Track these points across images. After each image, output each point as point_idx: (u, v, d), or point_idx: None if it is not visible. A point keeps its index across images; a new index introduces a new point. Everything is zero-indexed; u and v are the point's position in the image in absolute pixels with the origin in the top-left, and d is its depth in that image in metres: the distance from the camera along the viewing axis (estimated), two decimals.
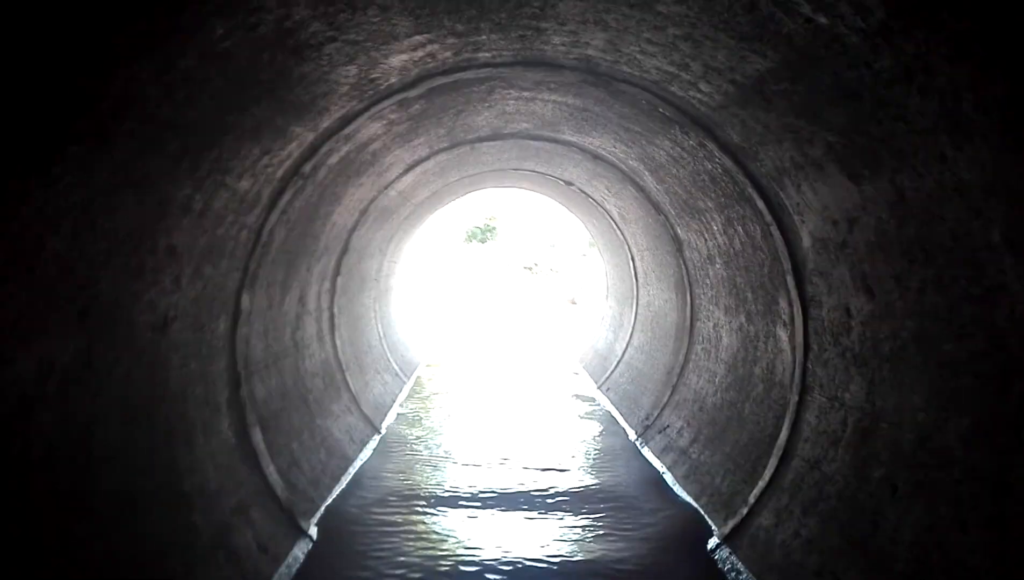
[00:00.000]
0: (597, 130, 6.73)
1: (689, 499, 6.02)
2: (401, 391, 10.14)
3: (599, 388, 10.93)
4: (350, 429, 7.14)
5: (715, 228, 6.43)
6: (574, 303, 35.89)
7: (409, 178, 8.38)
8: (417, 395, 10.35)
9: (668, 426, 7.54)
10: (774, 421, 5.32)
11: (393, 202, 8.95)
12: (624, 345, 10.95)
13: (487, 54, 4.65)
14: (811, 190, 4.46)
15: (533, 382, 12.19)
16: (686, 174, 6.23)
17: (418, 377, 11.86)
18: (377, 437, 7.72)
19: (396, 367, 10.76)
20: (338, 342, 7.85)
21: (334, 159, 5.48)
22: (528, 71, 5.04)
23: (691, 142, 5.46)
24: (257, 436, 5.02)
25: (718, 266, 6.75)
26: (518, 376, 12.86)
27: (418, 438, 8.03)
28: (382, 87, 4.65)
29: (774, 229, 5.16)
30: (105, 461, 3.24)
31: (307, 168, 5.02)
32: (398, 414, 9.01)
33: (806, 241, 4.88)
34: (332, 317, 7.78)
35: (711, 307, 7.16)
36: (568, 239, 63.25)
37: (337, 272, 7.79)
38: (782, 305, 5.39)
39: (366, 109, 4.94)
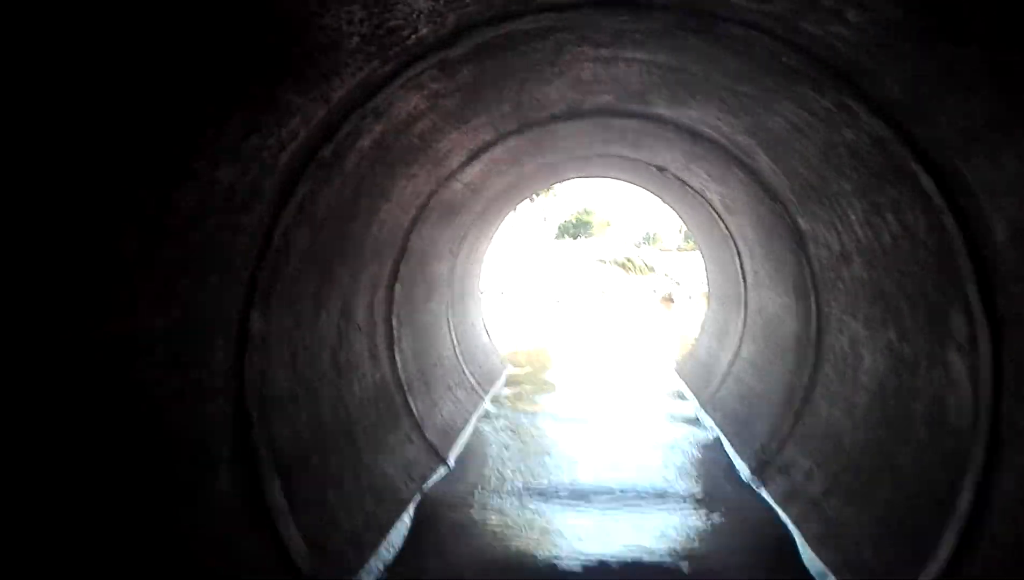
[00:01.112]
0: (696, 98, 5.42)
1: (827, 571, 4.63)
2: (477, 409, 9.08)
3: (702, 406, 9.53)
4: (409, 464, 6.11)
5: (853, 217, 5.01)
6: (671, 301, 34.07)
7: (476, 168, 7.29)
8: (495, 413, 9.27)
9: (792, 465, 6.13)
10: (947, 481, 3.89)
11: (460, 196, 7.89)
12: (731, 356, 9.51)
13: None
14: (1018, 160, 3.06)
15: (627, 395, 10.89)
16: (814, 148, 4.84)
17: (499, 389, 10.78)
18: (443, 470, 6.67)
19: (472, 381, 9.72)
20: (398, 358, 6.85)
21: (365, 141, 4.43)
22: (604, 16, 3.82)
23: (825, 102, 4.09)
24: (274, 491, 4.02)
25: (856, 266, 5.32)
26: (610, 388, 11.59)
27: (491, 470, 6.93)
28: (409, 41, 3.54)
29: (946, 217, 3.76)
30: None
31: (326, 153, 3.98)
32: (471, 438, 7.94)
33: (1000, 234, 3.46)
34: (390, 330, 6.78)
35: (846, 318, 5.72)
36: (663, 232, 61.06)
37: (394, 278, 6.79)
38: (956, 322, 3.97)
39: (395, 75, 3.85)
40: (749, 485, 6.52)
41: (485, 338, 12.19)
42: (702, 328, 12.51)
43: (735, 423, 7.99)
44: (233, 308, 3.76)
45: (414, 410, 6.83)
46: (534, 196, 56.41)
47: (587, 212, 63.40)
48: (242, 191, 3.43)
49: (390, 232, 6.17)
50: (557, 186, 56.43)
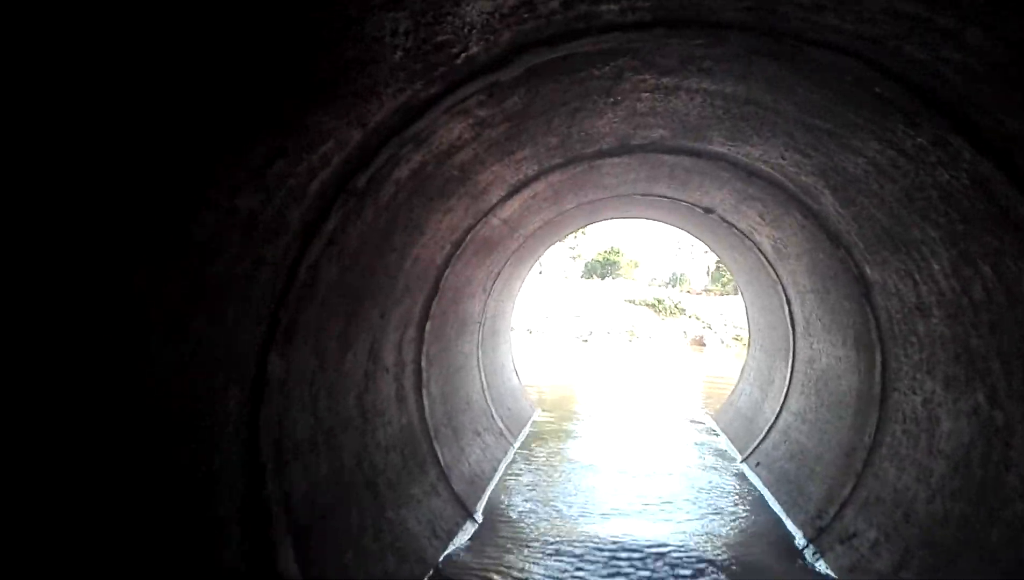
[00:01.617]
0: (761, 133, 5.01)
1: None
2: (506, 455, 8.60)
3: (745, 461, 8.95)
4: (434, 518, 5.65)
5: (936, 267, 4.52)
6: (701, 345, 33.32)
7: (515, 204, 6.92)
8: (524, 460, 8.77)
9: (855, 534, 5.57)
10: None
11: (497, 233, 7.52)
12: (776, 408, 8.94)
13: (613, 6, 3.09)
14: None
15: (663, 444, 10.34)
16: (897, 191, 4.39)
17: (528, 435, 10.28)
18: (470, 526, 6.18)
19: (501, 425, 9.25)
20: (426, 402, 6.43)
21: (403, 172, 4.07)
22: (672, 37, 3.44)
23: (919, 139, 3.65)
24: (287, 555, 3.59)
25: (935, 320, 4.81)
26: (644, 435, 11.04)
27: (521, 527, 6.42)
28: (459, 60, 3.18)
29: None
30: None
31: (360, 182, 3.62)
32: (499, 488, 7.44)
33: None
34: (419, 371, 6.37)
35: (919, 376, 5.19)
36: (691, 274, 60.32)
37: (426, 316, 6.39)
38: None
39: (439, 98, 3.49)
40: (804, 554, 5.95)
41: (515, 380, 11.73)
42: (742, 375, 11.93)
43: (784, 482, 7.42)
44: (251, 347, 3.38)
45: (440, 458, 6.38)
46: (563, 237, 56.29)
47: (615, 251, 63.00)
48: (265, 221, 3.06)
49: (423, 268, 5.79)
50: (588, 226, 56.25)
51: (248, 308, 3.25)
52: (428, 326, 6.45)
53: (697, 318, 35.55)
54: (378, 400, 5.28)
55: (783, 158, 5.29)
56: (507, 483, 7.68)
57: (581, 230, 55.32)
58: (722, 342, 33.47)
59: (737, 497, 7.63)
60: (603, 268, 58.30)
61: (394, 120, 3.42)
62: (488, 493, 7.10)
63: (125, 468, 2.57)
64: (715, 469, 8.79)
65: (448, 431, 6.98)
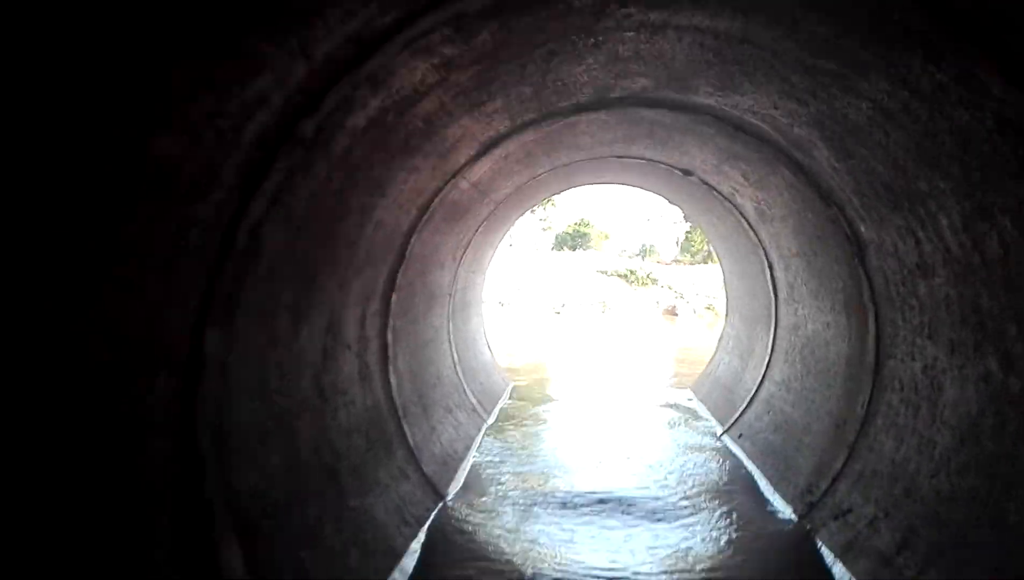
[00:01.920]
0: (754, 79, 4.58)
1: None
2: (479, 432, 8.20)
3: (727, 433, 8.66)
4: (403, 504, 5.23)
5: (943, 222, 4.17)
6: (674, 315, 33.22)
7: (485, 165, 6.45)
8: (498, 436, 8.38)
9: (850, 509, 5.27)
10: None
11: (466, 198, 7.05)
12: (758, 377, 8.65)
13: None
14: None
15: (640, 417, 10.03)
16: (904, 139, 4.00)
17: (501, 409, 9.90)
18: (441, 507, 5.79)
19: (473, 400, 8.84)
20: (393, 380, 5.98)
21: (359, 120, 3.57)
22: None
23: (940, 76, 3.25)
24: (233, 556, 3.15)
25: (939, 281, 4.47)
26: (620, 407, 10.73)
27: (493, 506, 6.04)
28: None
29: None
30: None
31: (308, 129, 3.13)
32: (472, 468, 7.05)
33: None
34: (385, 346, 5.92)
35: (919, 340, 4.87)
36: (660, 244, 60.31)
37: (392, 288, 5.92)
38: None
39: (397, 28, 3.00)
40: (794, 530, 5.66)
41: (487, 353, 11.32)
42: (720, 345, 11.65)
43: (770, 455, 7.12)
44: (182, 324, 2.89)
45: (410, 439, 5.95)
46: (535, 205, 55.81)
47: (585, 223, 62.79)
48: (190, 172, 2.57)
49: (387, 235, 5.31)
50: (557, 197, 55.80)
51: (175, 278, 2.77)
52: (394, 298, 5.98)
53: (669, 288, 35.44)
54: (339, 379, 4.81)
55: (775, 108, 4.87)
56: (480, 462, 7.28)
57: (551, 201, 54.88)
58: (694, 312, 33.42)
59: (721, 474, 7.32)
60: (574, 240, 58.07)
61: (345, 53, 2.92)
62: (462, 474, 6.70)
63: (31, 462, 2.10)
64: (696, 446, 8.48)
65: (418, 409, 6.55)
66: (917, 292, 4.81)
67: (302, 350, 4.22)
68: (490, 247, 10.88)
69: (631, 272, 36.88)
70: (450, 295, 8.73)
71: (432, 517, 5.55)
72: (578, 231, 61.46)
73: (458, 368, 8.81)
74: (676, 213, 55.57)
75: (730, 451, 8.05)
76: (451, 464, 6.66)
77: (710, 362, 11.83)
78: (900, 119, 3.84)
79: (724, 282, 11.64)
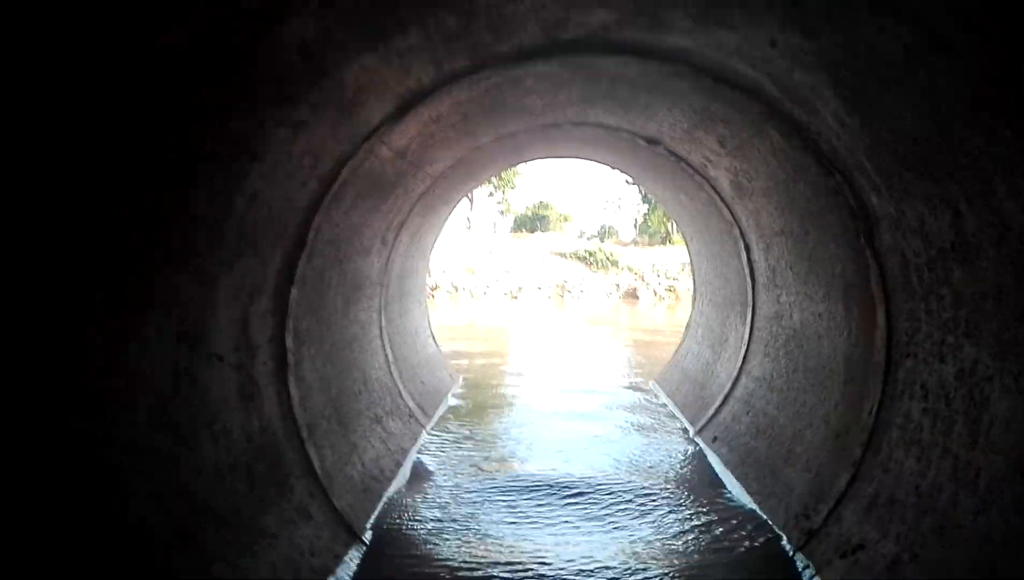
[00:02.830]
0: (748, 5, 3.47)
1: None
2: (415, 444, 7.06)
3: (699, 435, 7.66)
4: (299, 555, 4.07)
5: (1001, 190, 3.13)
6: (635, 298, 32.40)
7: (411, 128, 5.26)
8: (438, 448, 7.25)
9: (861, 545, 4.26)
10: None
11: (392, 170, 5.86)
12: (733, 371, 7.66)
13: None
14: None
15: (602, 416, 8.98)
16: (961, 78, 2.94)
17: (446, 412, 8.76)
18: (356, 551, 4.64)
19: (411, 404, 7.69)
20: (294, 393, 4.79)
21: (181, 39, 2.37)
22: None
23: None
24: None
25: (985, 265, 3.45)
26: (581, 403, 9.68)
27: (426, 548, 4.91)
28: None
29: None
30: None
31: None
32: (403, 492, 5.91)
33: None
34: (282, 354, 4.72)
35: (951, 339, 3.85)
36: (620, 226, 59.70)
37: (289, 280, 4.72)
38: None
39: None
40: (793, 562, 4.65)
41: (431, 347, 10.15)
42: (687, 333, 10.67)
43: (753, 465, 6.12)
44: None
45: (316, 466, 4.78)
46: (493, 188, 54.38)
47: (544, 205, 61.95)
48: None
49: (272, 213, 4.10)
50: (516, 178, 54.55)
51: None
52: (294, 293, 4.77)
53: (629, 269, 34.60)
54: (203, 405, 3.62)
55: (773, 44, 3.77)
56: (415, 483, 6.14)
57: (510, 184, 53.70)
58: (655, 294, 32.65)
59: (696, 484, 6.31)
60: (533, 222, 57.17)
61: None
62: (386, 501, 5.55)
63: None
64: (665, 451, 7.45)
65: (331, 426, 5.37)
66: (950, 279, 3.78)
67: (132, 375, 3.01)
68: (431, 230, 9.68)
69: (590, 254, 35.95)
70: (381, 285, 7.53)
71: (341, 566, 4.40)
72: (537, 213, 60.61)
73: (393, 368, 7.63)
74: (635, 195, 54.98)
75: (704, 457, 7.04)
76: (374, 490, 5.51)
77: (677, 351, 10.84)
78: (959, 47, 2.77)
79: (692, 265, 10.63)
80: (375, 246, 6.84)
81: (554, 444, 7.56)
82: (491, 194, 56.72)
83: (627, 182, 49.09)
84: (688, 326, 10.73)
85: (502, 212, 60.40)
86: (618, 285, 33.50)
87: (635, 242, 48.73)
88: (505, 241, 40.20)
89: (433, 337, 10.57)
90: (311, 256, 4.95)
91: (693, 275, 10.64)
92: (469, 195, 55.58)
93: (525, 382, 11.56)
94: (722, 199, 7.45)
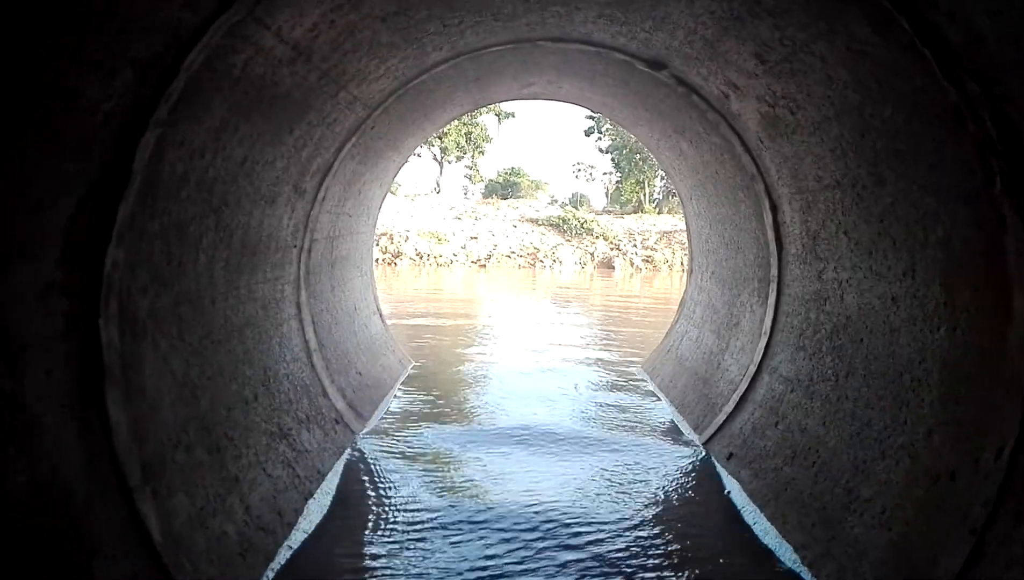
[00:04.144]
0: None
1: None
2: (338, 459, 5.35)
3: (707, 446, 6.06)
4: None
5: None
6: (611, 268, 30.81)
7: (308, 4, 3.46)
8: (374, 465, 5.52)
9: None
10: None
11: (292, 76, 4.07)
12: (750, 367, 6.03)
13: None
14: None
15: (583, 414, 7.33)
16: None
17: (390, 410, 7.04)
18: None
19: (341, 405, 5.97)
20: (118, 418, 3.03)
21: None
22: None
23: None
24: None
25: None
26: (557, 397, 8.04)
27: None
28: None
29: None
30: None
31: None
32: (310, 542, 4.20)
33: None
34: (95, 358, 2.94)
35: None
36: (592, 194, 58.18)
37: (103, 237, 2.93)
38: None
39: None
40: None
41: (375, 327, 8.37)
42: (681, 312, 9.04)
43: (792, 504, 4.50)
44: None
45: (153, 530, 3.05)
46: (462, 152, 52.25)
47: (516, 172, 60.27)
48: None
49: (37, 112, 2.31)
50: (487, 144, 52.47)
51: None
52: (117, 256, 3.00)
53: (604, 238, 32.93)
54: None
55: None
56: (325, 529, 4.43)
57: (479, 148, 51.61)
58: (631, 264, 31.10)
59: (714, 526, 4.70)
60: (504, 189, 55.42)
61: None
62: (277, 568, 3.84)
63: None
64: (671, 468, 5.81)
65: (194, 456, 3.63)
66: None
67: None
68: (376, 182, 7.86)
69: (563, 221, 34.19)
70: (299, 248, 5.74)
71: None
72: (508, 180, 58.88)
73: (316, 358, 5.87)
74: (607, 163, 53.24)
75: (715, 478, 5.44)
76: (260, 549, 3.79)
77: (669, 334, 9.21)
78: None
79: (689, 231, 8.96)
80: (283, 195, 5.03)
81: (523, 458, 5.91)
82: (460, 158, 54.62)
83: (589, 116, 47.11)
84: (683, 304, 9.09)
85: (471, 177, 58.43)
86: (592, 254, 31.85)
87: (607, 211, 47.21)
88: (475, 206, 38.23)
89: (380, 314, 8.80)
90: (150, 198, 3.17)
91: (690, 242, 8.98)
92: (438, 158, 53.39)
93: (491, 365, 9.90)
94: (743, 143, 5.76)
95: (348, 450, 5.59)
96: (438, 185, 53.06)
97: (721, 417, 6.10)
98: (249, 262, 4.68)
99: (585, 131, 49.44)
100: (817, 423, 4.72)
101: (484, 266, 29.83)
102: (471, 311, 16.65)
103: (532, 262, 30.93)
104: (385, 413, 6.86)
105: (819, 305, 5.09)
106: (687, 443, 6.35)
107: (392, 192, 50.18)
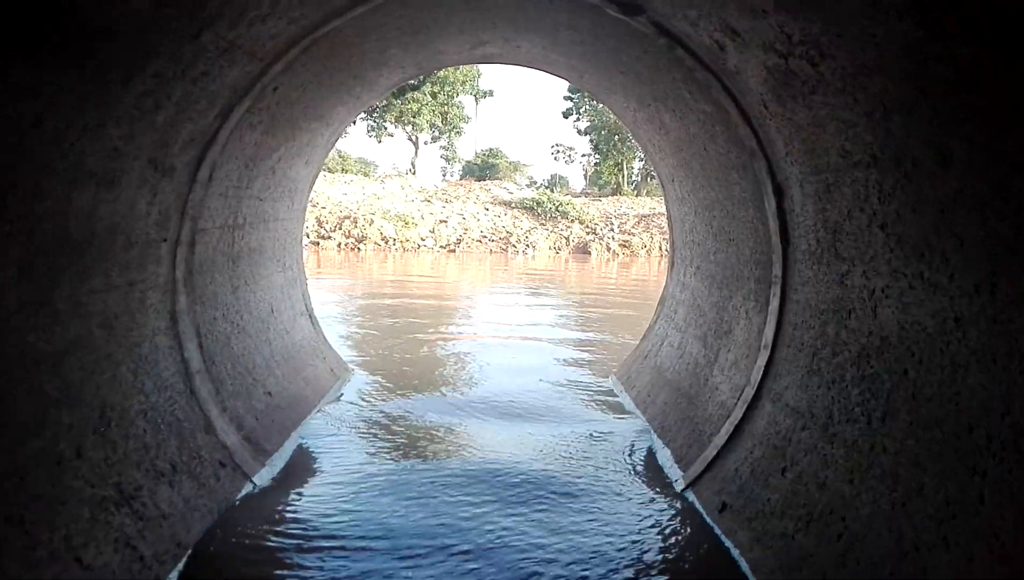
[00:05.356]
0: None
1: None
2: (212, 518, 4.10)
3: (692, 488, 4.89)
4: None
5: None
6: (587, 253, 29.63)
7: None
8: (246, 528, 4.27)
9: None
10: None
11: (126, 11, 2.79)
12: (745, 388, 4.86)
13: None
14: None
15: (547, 448, 6.08)
16: None
17: (302, 443, 5.69)
18: None
19: (231, 441, 4.72)
20: None
21: None
22: None
23: None
24: None
25: None
26: (519, 417, 6.84)
27: None
28: None
29: None
30: None
31: None
32: None
33: None
34: None
35: None
36: (571, 176, 57.00)
37: None
38: None
39: None
40: None
41: (301, 331, 7.08)
42: (660, 311, 7.86)
43: None
44: None
45: None
46: (437, 132, 50.63)
47: (494, 153, 59.08)
48: None
49: None
50: (464, 125, 50.93)
51: None
52: None
53: (580, 221, 31.71)
54: None
55: None
56: None
57: (455, 128, 50.08)
58: (608, 249, 29.94)
59: None
60: (481, 171, 54.19)
61: None
62: None
63: None
64: (650, 523, 4.65)
65: None
66: None
67: None
68: (298, 158, 6.55)
69: (537, 203, 32.90)
70: (172, 241, 4.45)
71: None
72: (487, 162, 57.66)
73: (198, 381, 4.60)
74: (585, 145, 52.06)
75: (706, 532, 4.27)
76: None
77: (646, 336, 8.04)
78: None
79: (670, 218, 7.77)
80: (132, 172, 3.74)
81: (483, 480, 4.72)
82: (436, 139, 53.10)
83: (567, 96, 46.13)
84: (662, 301, 7.91)
85: (448, 159, 57.00)
86: (568, 239, 30.62)
87: (585, 193, 46.03)
88: (444, 189, 36.78)
89: (310, 315, 7.51)
90: None
91: (671, 232, 7.79)
92: (413, 138, 51.75)
93: (442, 374, 8.70)
94: (741, 110, 4.56)
95: (216, 511, 4.31)
96: (413, 166, 51.51)
97: (711, 451, 4.93)
98: (73, 265, 3.40)
99: (563, 112, 48.16)
100: (841, 478, 3.56)
101: (453, 251, 28.51)
102: (433, 306, 15.42)
103: (504, 247, 29.66)
104: (298, 442, 5.61)
105: (841, 318, 3.91)
106: (668, 483, 5.16)
107: (365, 173, 48.54)
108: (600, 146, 44.65)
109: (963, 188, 2.77)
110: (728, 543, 4.11)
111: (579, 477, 5.22)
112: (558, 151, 60.74)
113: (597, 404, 7.32)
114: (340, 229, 28.14)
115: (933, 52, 2.63)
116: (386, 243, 27.82)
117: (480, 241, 29.61)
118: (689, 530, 4.43)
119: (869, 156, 3.38)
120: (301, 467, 5.17)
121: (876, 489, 3.27)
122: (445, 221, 30.12)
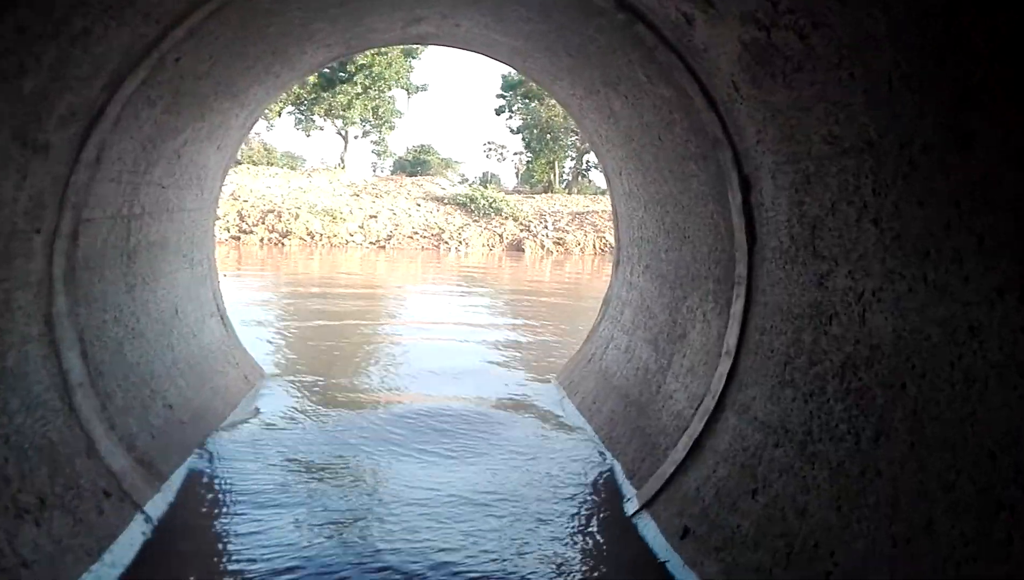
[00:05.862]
0: None
1: None
2: (94, 564, 3.42)
3: (648, 510, 4.45)
4: None
5: None
6: (520, 251, 29.22)
7: None
8: (153, 574, 3.61)
9: None
10: None
11: None
12: (707, 399, 4.45)
13: None
14: None
15: (478, 468, 5.54)
16: None
17: (197, 471, 4.99)
18: None
19: (120, 466, 4.01)
20: None
21: None
22: None
23: None
24: None
25: None
26: (447, 425, 6.29)
27: None
28: None
29: None
30: None
31: None
32: None
33: None
34: None
35: None
36: (503, 173, 56.69)
37: None
38: None
39: None
40: None
41: (212, 334, 6.33)
42: (605, 313, 7.44)
43: None
44: None
45: None
46: (369, 126, 49.43)
47: (426, 149, 58.32)
48: None
49: None
50: (396, 119, 49.91)
51: None
52: None
53: (514, 218, 31.28)
54: None
55: None
56: None
57: (387, 123, 48.97)
58: (542, 247, 29.63)
59: None
60: (413, 167, 53.27)
61: None
62: None
63: None
64: (593, 552, 4.18)
65: None
66: None
67: None
68: (209, 142, 5.82)
69: (471, 200, 32.31)
70: (47, 232, 3.73)
71: None
72: (418, 158, 56.78)
73: (79, 396, 3.88)
74: (518, 143, 51.73)
75: (673, 573, 3.82)
76: None
77: (590, 338, 7.60)
78: None
79: (616, 214, 7.35)
80: (4, 149, 3.04)
81: (411, 499, 4.15)
82: (367, 133, 51.82)
83: (500, 94, 45.72)
84: (607, 302, 7.50)
85: (379, 153, 55.80)
86: (501, 236, 30.15)
87: (518, 191, 45.72)
88: (375, 183, 35.77)
89: (221, 315, 6.77)
90: None
91: (617, 229, 7.38)
92: (343, 132, 50.28)
93: (377, 370, 8.09)
94: (706, 94, 4.14)
95: (124, 534, 3.66)
96: (342, 161, 50.11)
97: (668, 467, 4.50)
98: None
99: (496, 110, 47.59)
100: (825, 505, 3.16)
101: (383, 248, 27.67)
102: (358, 305, 14.70)
103: (436, 244, 28.98)
104: (202, 462, 4.92)
105: (819, 324, 3.52)
106: (620, 498, 4.72)
107: (292, 167, 46.93)
108: (532, 144, 44.37)
109: (987, 177, 2.39)
110: (693, 575, 3.68)
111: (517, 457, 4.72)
112: (490, 149, 60.31)
113: (538, 413, 6.83)
114: (263, 223, 26.91)
115: (965, 17, 2.22)
116: (312, 238, 26.75)
117: (412, 237, 28.84)
118: (644, 559, 3.98)
119: (863, 141, 2.98)
120: (203, 492, 4.50)
121: (870, 520, 2.88)
122: (375, 216, 29.21)
